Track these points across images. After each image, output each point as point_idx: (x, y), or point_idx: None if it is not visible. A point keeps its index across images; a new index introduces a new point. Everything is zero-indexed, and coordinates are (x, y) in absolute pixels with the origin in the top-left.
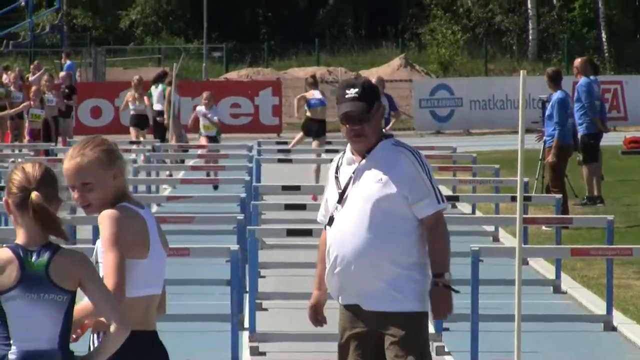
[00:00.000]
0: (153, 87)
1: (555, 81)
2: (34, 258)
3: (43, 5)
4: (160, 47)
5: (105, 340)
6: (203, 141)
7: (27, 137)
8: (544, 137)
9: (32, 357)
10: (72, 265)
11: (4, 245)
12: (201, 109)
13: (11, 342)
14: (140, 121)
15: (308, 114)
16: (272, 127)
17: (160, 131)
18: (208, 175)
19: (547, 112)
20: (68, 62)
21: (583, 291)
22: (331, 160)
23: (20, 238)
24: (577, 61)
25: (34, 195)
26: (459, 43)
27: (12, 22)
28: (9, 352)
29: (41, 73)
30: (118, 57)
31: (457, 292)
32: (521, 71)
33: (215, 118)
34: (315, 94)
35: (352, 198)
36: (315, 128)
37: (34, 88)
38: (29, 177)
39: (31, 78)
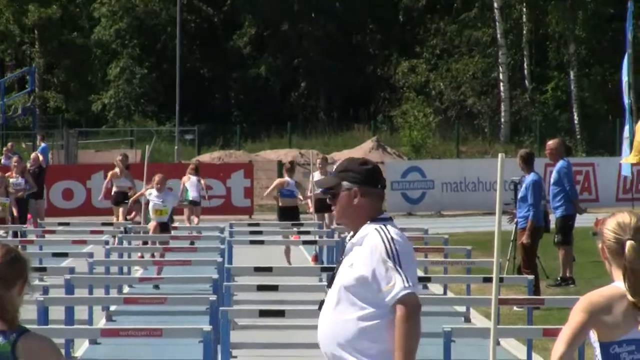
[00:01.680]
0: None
1: (528, 163)
2: (0, 339)
3: (15, 87)
4: (133, 130)
5: None
6: (152, 226)
7: None
8: (516, 219)
9: None
10: (35, 349)
11: None
12: (152, 191)
13: None
14: (123, 198)
15: (280, 202)
16: (244, 208)
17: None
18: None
19: (521, 194)
20: (43, 144)
21: None
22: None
23: None
24: (553, 143)
25: None
26: (431, 125)
27: None
28: None
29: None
30: (90, 140)
31: None
32: (499, 154)
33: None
34: (290, 183)
35: (334, 283)
36: (289, 214)
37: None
38: None
39: (3, 161)
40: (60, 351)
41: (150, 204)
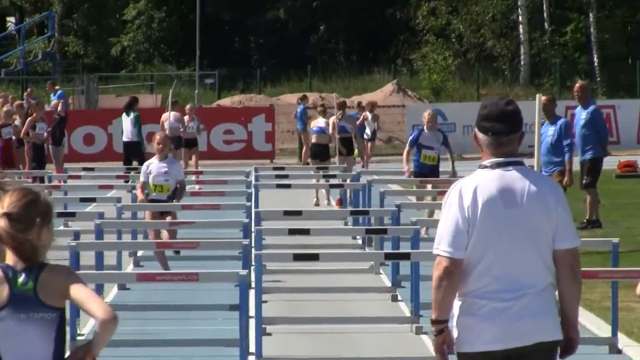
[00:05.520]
0: (124, 115)
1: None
2: (22, 278)
3: (35, 33)
4: (153, 74)
5: (98, 333)
6: (148, 215)
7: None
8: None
9: None
10: (56, 281)
11: None
12: (152, 160)
13: None
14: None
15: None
16: (266, 153)
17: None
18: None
19: (553, 139)
20: (59, 91)
21: (586, 314)
22: (330, 185)
23: (8, 259)
24: (583, 85)
25: (1, 221)
26: (451, 68)
27: (3, 49)
28: None
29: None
30: (110, 85)
31: (435, 335)
32: (537, 95)
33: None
34: (318, 122)
35: None
36: (317, 151)
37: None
38: (3, 203)
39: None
40: (77, 275)
41: (153, 174)
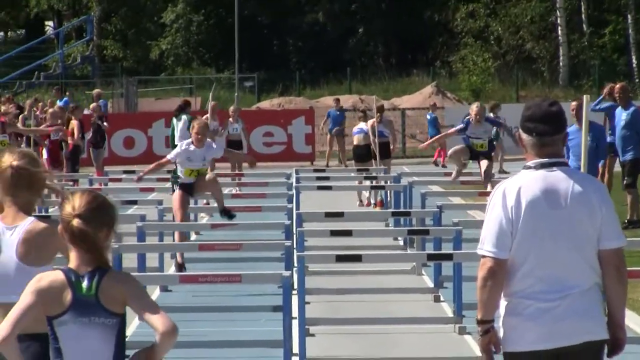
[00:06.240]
0: (175, 119)
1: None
2: (85, 283)
3: (73, 36)
4: (192, 77)
5: (159, 345)
6: (176, 197)
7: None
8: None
9: None
10: (117, 287)
11: (57, 267)
12: (187, 146)
13: None
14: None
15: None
16: (305, 155)
17: None
18: None
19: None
20: (65, 98)
21: (630, 314)
22: (372, 188)
23: (72, 262)
24: (622, 87)
25: (75, 221)
26: (490, 70)
27: (42, 53)
28: None
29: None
30: (149, 88)
31: (481, 335)
32: (584, 96)
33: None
34: (359, 125)
35: None
36: (359, 152)
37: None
38: (74, 205)
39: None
40: (139, 283)
41: (180, 162)
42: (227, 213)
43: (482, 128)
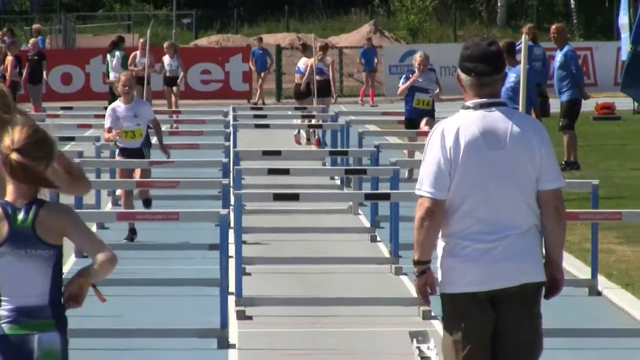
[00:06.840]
0: (109, 56)
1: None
2: (21, 215)
3: None
4: (130, 14)
5: (96, 270)
6: (118, 173)
7: None
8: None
9: (23, 312)
10: (54, 218)
11: None
12: (116, 103)
13: (1, 298)
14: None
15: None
16: (243, 93)
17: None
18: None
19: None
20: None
21: (566, 256)
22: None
23: (9, 195)
24: (559, 27)
25: (13, 155)
26: (428, 9)
27: None
28: (0, 308)
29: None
30: (87, 24)
31: (417, 276)
32: (523, 36)
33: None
34: (299, 63)
35: None
36: (298, 90)
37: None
38: (14, 138)
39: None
40: (77, 214)
41: (114, 125)
42: (148, 203)
43: (427, 77)
